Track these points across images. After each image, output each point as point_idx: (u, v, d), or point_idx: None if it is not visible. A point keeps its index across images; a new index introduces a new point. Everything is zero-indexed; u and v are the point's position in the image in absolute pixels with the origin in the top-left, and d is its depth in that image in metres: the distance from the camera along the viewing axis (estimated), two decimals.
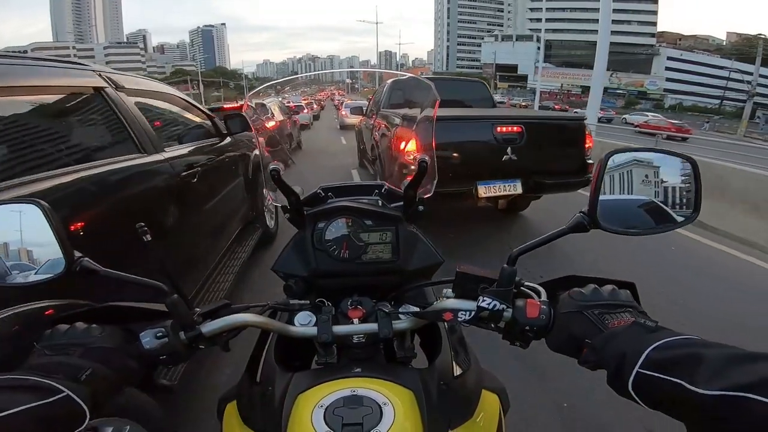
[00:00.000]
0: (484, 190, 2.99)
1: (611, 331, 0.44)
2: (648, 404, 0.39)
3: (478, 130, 3.02)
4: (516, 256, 0.51)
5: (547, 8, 62.98)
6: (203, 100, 59.77)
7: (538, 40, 71.58)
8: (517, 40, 70.22)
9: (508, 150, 2.94)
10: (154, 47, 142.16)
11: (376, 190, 0.80)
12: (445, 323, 0.64)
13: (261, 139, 0.92)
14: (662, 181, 0.51)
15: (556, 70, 62.39)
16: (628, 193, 0.51)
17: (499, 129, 2.94)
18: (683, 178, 0.51)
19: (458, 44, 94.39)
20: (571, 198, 3.47)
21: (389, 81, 4.55)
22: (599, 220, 0.50)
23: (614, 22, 63.31)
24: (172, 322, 0.51)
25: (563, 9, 66.95)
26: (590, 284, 0.50)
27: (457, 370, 0.58)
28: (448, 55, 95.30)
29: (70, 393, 0.40)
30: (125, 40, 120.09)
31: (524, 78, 67.94)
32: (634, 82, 59.15)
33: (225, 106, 7.74)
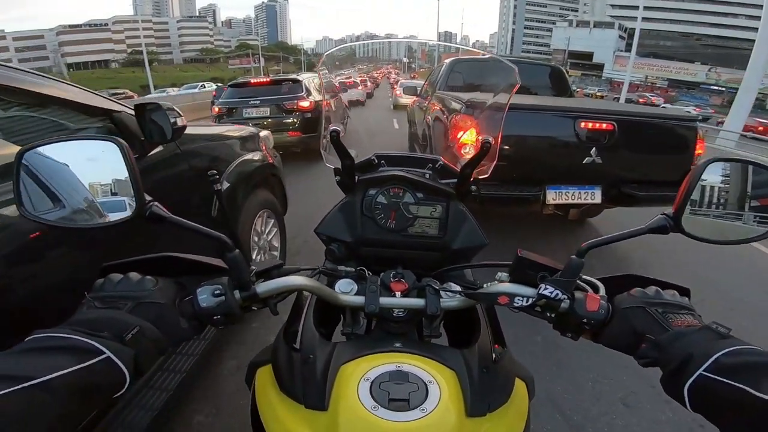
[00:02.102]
0: (553, 196, 2.44)
1: (679, 330, 0.43)
2: (696, 407, 0.39)
3: (556, 123, 2.44)
4: (586, 250, 0.49)
5: None
6: (262, 72, 61.84)
7: (620, 27, 65.15)
8: (594, 26, 63.61)
9: (592, 151, 2.36)
10: (222, 21, 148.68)
11: (430, 164, 0.76)
12: (488, 307, 0.65)
13: (328, 110, 0.87)
14: (756, 194, 0.50)
15: (639, 60, 56.14)
16: (719, 202, 0.50)
17: (583, 124, 2.36)
18: None
19: (525, 28, 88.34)
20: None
21: (449, 60, 4.15)
22: (683, 225, 0.48)
23: (719, 14, 56.21)
24: (228, 279, 0.49)
25: None
26: (652, 286, 0.50)
27: (494, 355, 0.56)
28: (513, 38, 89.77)
29: (112, 355, 0.37)
30: (197, 14, 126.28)
31: (599, 67, 61.78)
32: (736, 79, 51.67)
33: (252, 80, 6.07)
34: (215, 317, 0.47)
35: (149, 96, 18.29)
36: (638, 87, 52.69)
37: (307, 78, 6.01)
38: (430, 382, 0.47)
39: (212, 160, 1.76)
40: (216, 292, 0.47)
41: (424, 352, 0.51)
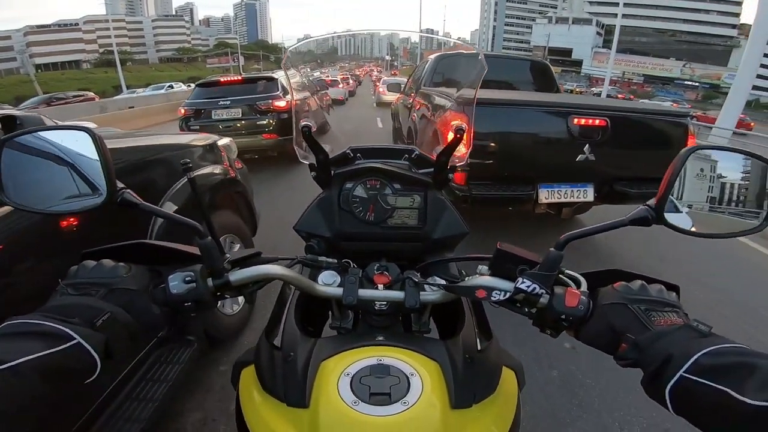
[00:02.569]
0: (546, 195, 2.36)
1: (659, 330, 0.41)
2: (678, 410, 0.38)
3: (548, 120, 2.35)
4: (565, 242, 0.48)
5: None
6: (241, 71, 60.53)
7: (598, 24, 66.24)
8: (573, 23, 64.50)
9: (585, 148, 2.28)
10: (200, 20, 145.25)
11: (406, 155, 0.76)
12: (472, 299, 0.64)
13: (296, 103, 0.84)
14: (742, 185, 0.48)
15: (617, 57, 57.21)
16: (703, 193, 0.48)
17: (576, 121, 2.26)
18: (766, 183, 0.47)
19: (506, 25, 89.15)
20: None
21: (433, 56, 4.08)
22: (665, 216, 0.47)
23: (693, 10, 57.64)
24: (201, 266, 0.49)
25: None
26: (637, 280, 0.47)
27: (480, 345, 0.56)
28: (494, 35, 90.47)
29: (82, 340, 0.38)
30: (174, 13, 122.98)
31: (578, 63, 62.73)
32: (709, 75, 53.21)
33: (222, 79, 5.62)
34: (186, 304, 0.47)
35: (119, 96, 17.42)
36: (616, 83, 53.71)
37: (284, 76, 5.63)
38: (412, 374, 0.46)
39: (145, 181, 1.39)
40: (187, 279, 0.47)
41: (406, 345, 0.51)
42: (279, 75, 5.51)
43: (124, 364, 1.22)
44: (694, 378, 0.36)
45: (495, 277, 0.50)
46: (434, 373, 0.47)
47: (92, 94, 18.04)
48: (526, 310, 0.49)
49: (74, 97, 15.97)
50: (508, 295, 0.48)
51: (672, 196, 0.47)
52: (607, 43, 63.02)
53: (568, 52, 63.35)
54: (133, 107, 12.23)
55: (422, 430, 0.43)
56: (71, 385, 0.39)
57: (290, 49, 0.78)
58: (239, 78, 5.57)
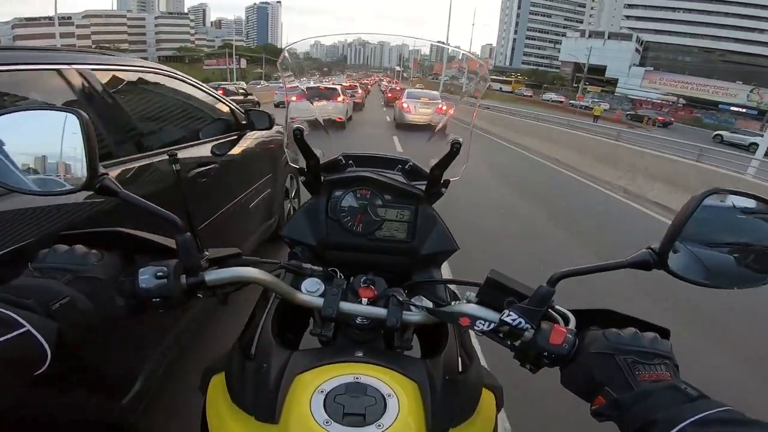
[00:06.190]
0: None
1: (643, 388, 0.38)
2: None
3: None
4: (558, 279, 0.46)
5: (650, 6, 52.12)
6: (235, 76, 55.50)
7: (637, 40, 60.36)
8: (609, 37, 58.40)
9: None
10: (212, 22, 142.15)
11: (400, 165, 0.75)
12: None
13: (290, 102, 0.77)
14: (758, 236, 0.44)
15: (671, 77, 51.02)
16: (714, 241, 0.44)
17: None
18: None
19: (527, 38, 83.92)
20: None
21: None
22: (668, 262, 0.43)
23: (746, 29, 51.46)
24: (176, 262, 0.47)
25: (674, 9, 54.70)
26: (630, 328, 0.44)
27: (461, 366, 0.55)
28: (513, 49, 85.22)
29: (32, 329, 0.35)
30: (186, 11, 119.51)
31: (613, 82, 56.36)
32: None
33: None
34: (154, 300, 0.46)
35: None
36: (662, 106, 47.45)
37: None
38: (389, 395, 0.44)
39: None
40: (159, 274, 0.45)
41: (385, 363, 0.49)
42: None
43: None
44: None
45: (481, 306, 0.49)
46: (412, 395, 0.46)
47: None
48: (509, 342, 0.47)
49: None
50: (492, 326, 0.47)
51: (679, 240, 0.43)
52: (643, 60, 57.05)
53: (601, 69, 57.15)
54: None
55: None
56: (18, 376, 0.35)
57: (287, 47, 0.73)
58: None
